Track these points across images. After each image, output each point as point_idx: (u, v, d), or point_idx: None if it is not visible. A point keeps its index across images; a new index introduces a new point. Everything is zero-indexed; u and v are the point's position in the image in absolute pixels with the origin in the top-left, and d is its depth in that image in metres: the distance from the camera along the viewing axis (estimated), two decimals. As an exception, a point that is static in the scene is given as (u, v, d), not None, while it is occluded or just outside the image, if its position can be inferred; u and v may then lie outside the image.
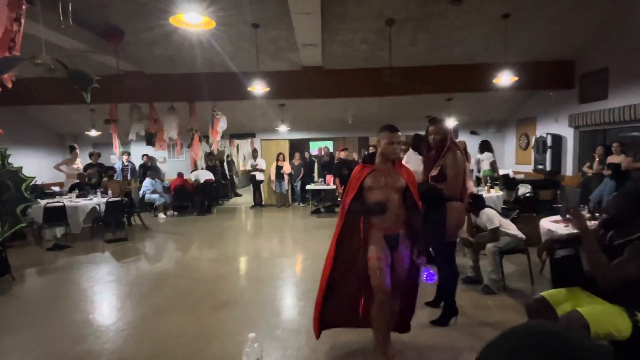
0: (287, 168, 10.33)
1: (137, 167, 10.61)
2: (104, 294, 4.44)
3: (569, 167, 7.92)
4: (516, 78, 6.12)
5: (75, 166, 8.60)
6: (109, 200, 7.09)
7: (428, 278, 2.58)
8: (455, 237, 3.34)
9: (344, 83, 7.40)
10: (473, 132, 10.44)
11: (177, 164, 11.17)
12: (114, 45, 5.76)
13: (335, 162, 9.40)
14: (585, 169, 6.88)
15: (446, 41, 6.35)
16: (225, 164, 12.86)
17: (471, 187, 5.09)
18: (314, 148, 14.43)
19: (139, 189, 9.69)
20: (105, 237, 6.99)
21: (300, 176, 10.49)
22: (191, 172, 10.58)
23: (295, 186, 10.71)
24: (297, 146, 12.26)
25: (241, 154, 14.78)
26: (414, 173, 2.86)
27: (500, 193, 6.43)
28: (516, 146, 9.98)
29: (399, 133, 2.63)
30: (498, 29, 5.86)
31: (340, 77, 7.36)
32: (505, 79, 6.02)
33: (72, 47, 5.50)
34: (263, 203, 10.79)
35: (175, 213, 9.80)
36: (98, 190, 7.62)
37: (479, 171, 8.40)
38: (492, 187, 6.47)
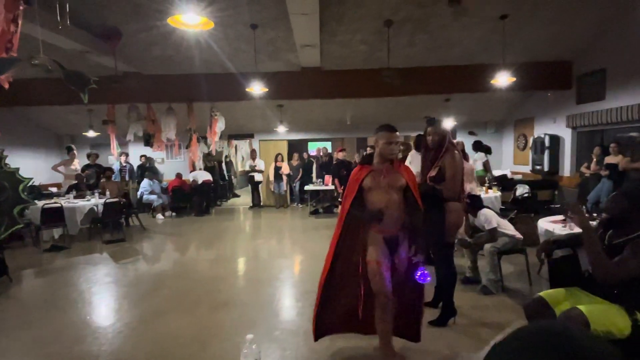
0: (285, 169, 10.32)
1: (135, 167, 10.60)
2: (102, 295, 4.43)
3: (566, 168, 7.94)
4: (514, 79, 6.14)
5: (73, 167, 8.58)
6: (107, 201, 7.07)
7: (421, 278, 2.57)
8: (453, 238, 3.34)
9: (343, 84, 7.41)
10: (471, 133, 10.45)
11: (175, 164, 11.16)
12: (112, 45, 5.75)
13: (334, 162, 9.40)
14: (582, 169, 6.90)
15: (444, 42, 6.36)
16: (223, 164, 12.84)
17: (475, 189, 5.11)
18: (313, 149, 14.44)
19: (137, 189, 9.67)
20: (103, 238, 6.97)
21: (299, 177, 10.49)
22: (190, 172, 10.57)
23: (293, 187, 10.71)
24: (296, 147, 12.27)
25: (239, 155, 14.78)
26: (418, 175, 2.85)
27: (499, 193, 6.44)
28: (514, 146, 10.01)
29: (397, 133, 2.63)
30: (496, 29, 5.87)
31: (339, 78, 7.37)
32: (503, 79, 6.03)
33: (69, 47, 5.48)
34: (261, 204, 10.78)
35: (174, 214, 9.79)
36: (96, 191, 7.60)
37: None
38: (489, 187, 6.48)
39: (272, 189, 10.57)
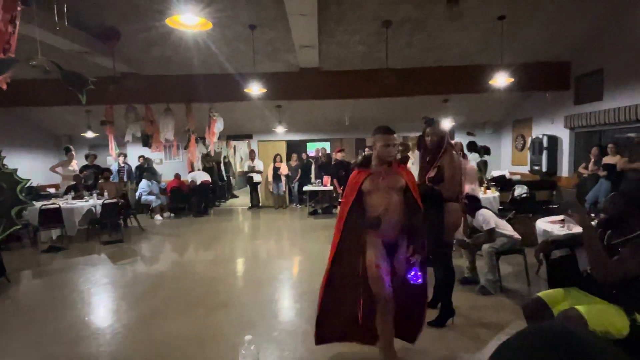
0: (284, 169, 10.32)
1: (133, 168, 10.57)
2: (99, 296, 4.42)
3: (564, 168, 7.96)
4: (512, 79, 6.16)
5: (71, 168, 8.55)
6: (105, 202, 7.06)
7: (413, 278, 2.56)
8: (452, 238, 3.34)
9: (341, 84, 7.41)
10: (469, 133, 10.47)
11: (173, 165, 11.14)
12: (111, 46, 5.74)
13: (332, 163, 9.40)
14: (580, 169, 6.91)
15: (443, 43, 6.38)
16: (222, 165, 12.83)
17: (477, 189, 5.11)
18: (312, 149, 14.43)
19: (136, 190, 9.65)
20: (101, 239, 6.95)
21: (298, 177, 10.48)
22: (188, 173, 10.55)
23: (292, 187, 10.70)
24: (295, 147, 12.25)
25: (238, 155, 14.75)
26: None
27: (497, 194, 6.45)
28: (512, 147, 10.03)
29: (395, 135, 2.62)
30: (494, 30, 5.89)
31: (338, 79, 7.37)
32: (501, 80, 6.05)
33: (67, 48, 5.47)
34: (260, 204, 10.78)
35: (172, 215, 9.77)
36: (94, 192, 7.58)
37: None
38: (488, 187, 6.49)
39: (271, 190, 10.56)
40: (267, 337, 3.22)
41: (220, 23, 5.32)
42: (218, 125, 8.00)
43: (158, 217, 9.37)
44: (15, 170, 4.87)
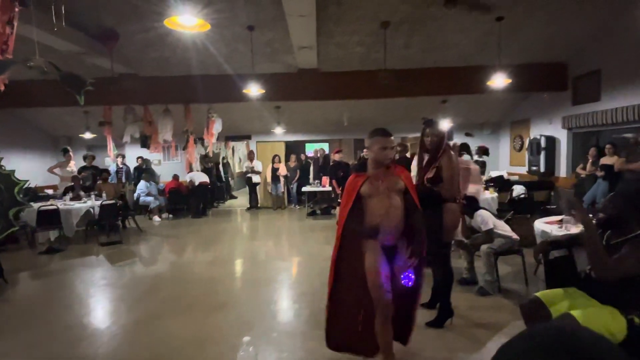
0: (282, 170, 10.31)
1: (131, 169, 10.55)
2: (98, 297, 4.41)
3: (562, 169, 7.98)
4: (510, 80, 6.17)
5: (69, 169, 8.53)
6: (104, 203, 7.04)
7: (405, 280, 2.55)
8: (450, 239, 3.35)
9: (340, 85, 7.42)
10: (468, 134, 10.49)
11: (172, 166, 11.12)
12: (109, 47, 5.73)
13: (331, 164, 9.41)
14: (578, 170, 6.93)
15: (441, 44, 6.39)
16: (220, 166, 12.82)
17: (481, 190, 5.09)
18: (310, 150, 14.43)
19: (134, 191, 9.63)
20: (99, 240, 6.94)
21: (296, 178, 10.48)
22: (187, 174, 10.54)
23: (291, 188, 10.70)
24: (293, 148, 12.26)
25: (237, 156, 14.76)
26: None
27: (495, 194, 6.46)
28: (510, 148, 10.05)
29: (392, 137, 2.59)
30: (492, 31, 5.90)
31: (336, 79, 7.38)
32: (499, 81, 6.07)
33: (65, 49, 5.46)
34: (259, 205, 10.77)
35: (170, 216, 9.76)
36: (92, 193, 7.57)
37: None
38: (486, 188, 6.50)
39: (270, 191, 10.55)
40: (265, 338, 3.22)
41: (218, 24, 5.31)
42: (217, 126, 8.00)
43: (156, 218, 9.36)
44: (13, 171, 4.85)
